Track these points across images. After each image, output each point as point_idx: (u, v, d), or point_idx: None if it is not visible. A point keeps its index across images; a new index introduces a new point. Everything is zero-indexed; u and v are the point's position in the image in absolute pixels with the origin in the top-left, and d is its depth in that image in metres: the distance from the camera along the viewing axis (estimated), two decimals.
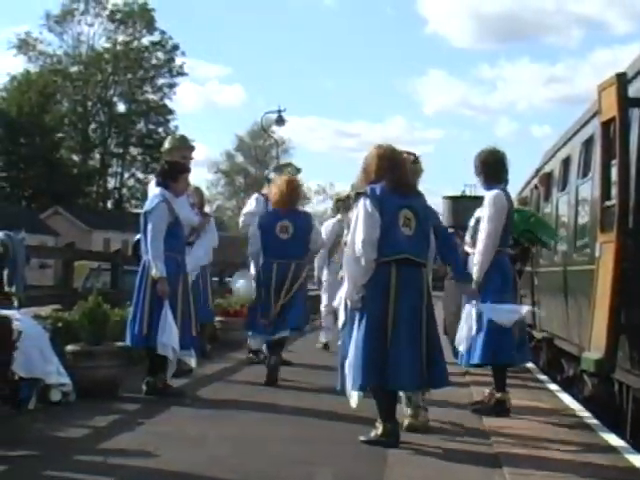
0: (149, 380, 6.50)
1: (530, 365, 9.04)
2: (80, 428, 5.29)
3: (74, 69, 60.52)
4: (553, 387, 7.93)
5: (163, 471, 4.31)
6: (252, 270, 8.24)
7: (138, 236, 6.81)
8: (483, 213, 6.13)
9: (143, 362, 6.79)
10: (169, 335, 6.24)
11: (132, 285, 6.73)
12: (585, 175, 7.84)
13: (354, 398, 5.05)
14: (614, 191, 6.17)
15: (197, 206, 8.14)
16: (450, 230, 10.04)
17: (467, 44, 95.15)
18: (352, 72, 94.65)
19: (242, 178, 69.73)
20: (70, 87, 60.19)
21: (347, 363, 5.00)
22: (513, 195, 7.30)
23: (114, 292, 9.45)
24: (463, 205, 15.17)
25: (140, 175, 62.81)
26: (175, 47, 62.08)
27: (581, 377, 7.74)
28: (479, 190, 8.04)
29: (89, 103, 61.12)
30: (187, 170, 7.04)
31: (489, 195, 6.10)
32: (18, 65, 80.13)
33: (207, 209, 9.57)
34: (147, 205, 6.59)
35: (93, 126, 62.03)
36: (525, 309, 6.36)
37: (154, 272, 6.29)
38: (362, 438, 5.01)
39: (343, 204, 9.74)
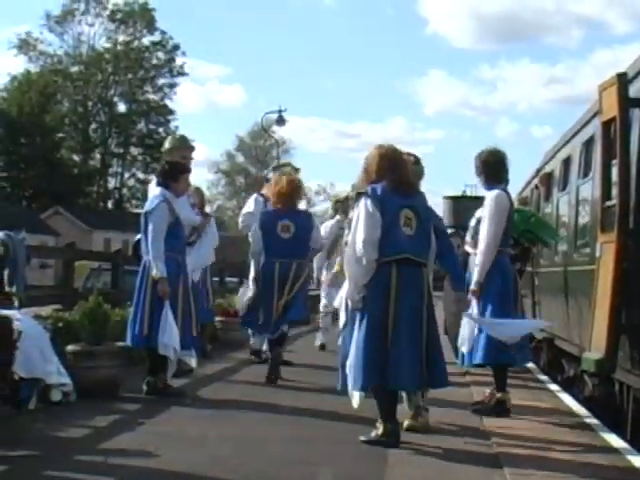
0: (149, 380, 6.50)
1: (531, 365, 9.03)
2: (80, 428, 5.29)
3: (75, 69, 60.55)
4: (553, 387, 7.93)
5: (163, 471, 4.31)
6: (252, 270, 8.25)
7: (139, 236, 6.81)
8: (484, 213, 6.13)
9: (143, 362, 6.78)
10: (170, 335, 6.24)
11: (132, 285, 6.73)
12: (586, 175, 7.84)
13: (356, 398, 5.05)
14: (615, 191, 6.17)
15: (198, 206, 8.14)
16: (451, 230, 10.02)
17: (467, 44, 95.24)
18: (352, 72, 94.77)
19: (242, 178, 69.72)
20: (70, 87, 60.22)
21: (348, 363, 5.00)
22: (513, 195, 7.31)
23: (114, 292, 9.46)
24: (464, 205, 15.22)
25: (140, 175, 62.90)
26: (175, 47, 62.19)
27: (581, 377, 7.74)
28: (480, 190, 8.06)
29: (89, 103, 61.14)
30: (188, 170, 7.05)
31: (490, 195, 6.09)
32: (19, 65, 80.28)
33: (207, 209, 9.57)
34: (147, 205, 6.59)
35: (93, 126, 62.05)
36: (525, 330, 6.21)
37: (155, 272, 6.29)
38: (362, 438, 5.01)
39: (342, 205, 9.76)
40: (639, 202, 5.88)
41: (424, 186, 5.82)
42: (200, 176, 63.34)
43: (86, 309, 6.45)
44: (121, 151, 63.09)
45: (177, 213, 6.55)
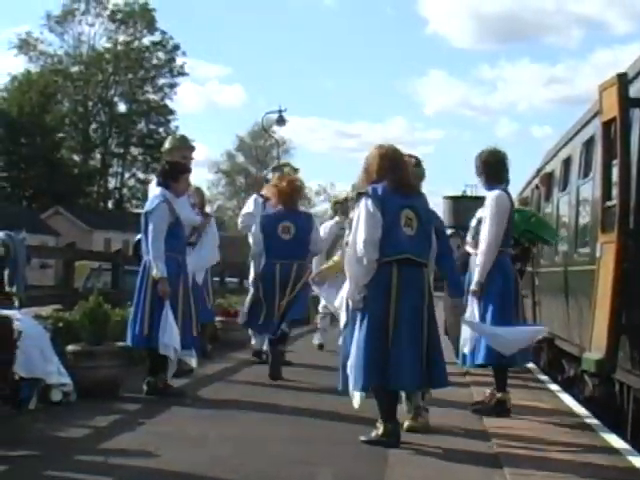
0: (150, 380, 6.50)
1: (531, 365, 9.04)
2: (81, 428, 5.29)
3: (75, 69, 60.55)
4: (554, 387, 7.93)
5: (164, 471, 4.31)
6: (251, 271, 8.25)
7: (139, 236, 6.82)
8: (485, 213, 6.13)
9: (144, 362, 6.79)
10: (170, 335, 6.24)
11: (133, 285, 6.73)
12: (586, 175, 7.84)
13: (356, 398, 5.05)
14: (615, 191, 6.17)
15: (198, 206, 8.14)
16: (451, 230, 10.01)
17: (467, 44, 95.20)
18: (352, 72, 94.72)
19: (243, 178, 69.73)
20: (71, 87, 60.22)
21: (349, 363, 5.00)
22: (514, 195, 7.31)
23: (115, 292, 9.46)
24: (464, 205, 15.23)
25: (141, 175, 62.90)
26: (176, 47, 62.18)
27: (582, 377, 7.74)
28: (480, 190, 8.06)
29: (90, 103, 61.15)
30: (188, 170, 7.05)
31: (491, 195, 6.09)
32: (19, 65, 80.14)
33: (208, 209, 9.58)
34: (148, 205, 6.60)
35: (94, 126, 62.06)
36: (525, 342, 6.07)
37: (155, 272, 6.29)
38: (363, 438, 5.01)
39: (341, 206, 9.79)
40: (639, 202, 5.88)
41: (424, 186, 5.82)
42: (200, 176, 63.55)
43: (86, 309, 6.46)
44: (121, 151, 63.09)
45: (177, 213, 6.55)
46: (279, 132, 48.87)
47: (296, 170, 9.14)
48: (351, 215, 5.53)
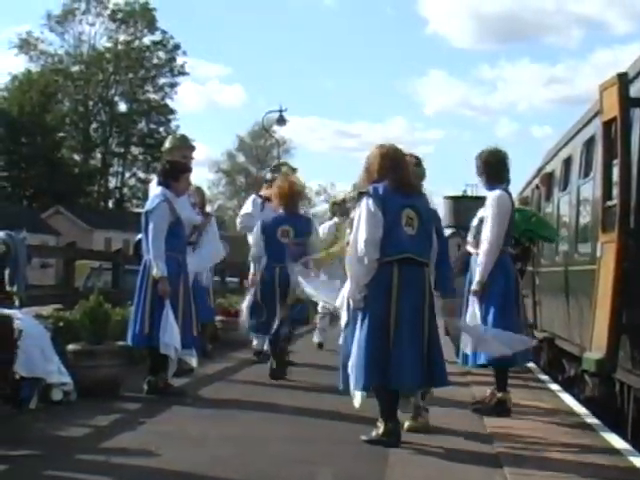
0: (150, 379, 6.50)
1: (531, 365, 9.04)
2: (81, 427, 5.29)
3: (75, 69, 60.55)
4: (554, 387, 7.93)
5: (164, 470, 4.31)
6: (250, 273, 8.26)
7: (139, 236, 6.82)
8: (486, 213, 6.12)
9: (144, 361, 6.79)
10: (171, 334, 6.24)
11: (133, 285, 6.74)
12: (586, 175, 7.84)
13: (357, 398, 5.05)
14: (615, 191, 6.17)
15: (198, 206, 8.16)
16: (451, 230, 9.99)
17: (467, 44, 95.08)
18: (352, 72, 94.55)
19: (243, 178, 69.72)
20: (71, 87, 60.22)
21: (350, 363, 5.00)
22: (514, 195, 7.31)
23: (115, 291, 9.46)
24: (464, 205, 15.19)
25: (141, 175, 62.85)
26: (176, 47, 62.16)
27: (582, 377, 7.74)
28: (480, 190, 8.06)
29: (90, 103, 61.14)
30: (188, 170, 7.05)
31: (493, 195, 6.09)
32: (19, 65, 79.96)
33: (208, 209, 9.61)
34: (148, 205, 6.60)
35: (94, 126, 62.06)
36: (509, 350, 6.06)
37: (155, 272, 6.29)
38: (363, 438, 5.01)
39: (339, 207, 9.80)
40: None
41: (425, 186, 5.81)
42: (201, 176, 63.69)
43: (87, 308, 6.46)
44: (122, 150, 63.08)
45: (178, 212, 6.55)
46: (279, 132, 48.92)
47: (294, 170, 9.16)
48: (352, 215, 5.53)
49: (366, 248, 4.90)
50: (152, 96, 63.26)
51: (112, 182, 64.59)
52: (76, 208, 53.42)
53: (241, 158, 70.27)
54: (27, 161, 54.73)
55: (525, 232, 7.85)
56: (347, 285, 5.25)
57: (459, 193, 21.26)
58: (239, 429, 5.42)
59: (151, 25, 61.37)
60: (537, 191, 11.44)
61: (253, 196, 9.22)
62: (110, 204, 63.16)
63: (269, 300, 7.52)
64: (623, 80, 6.04)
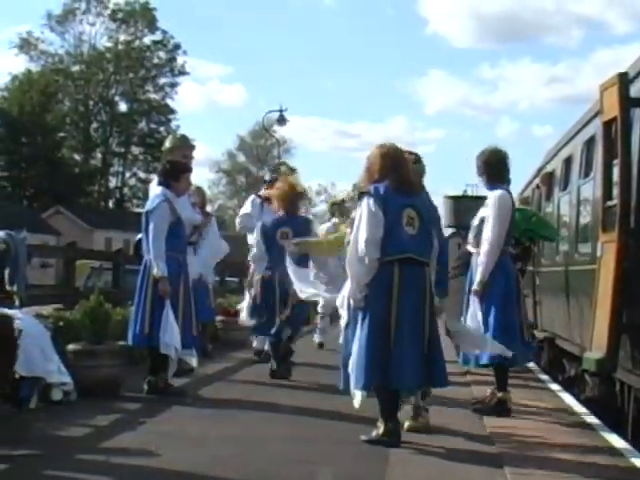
0: (150, 379, 6.50)
1: (532, 365, 9.04)
2: (81, 427, 5.29)
3: (76, 68, 60.57)
4: (554, 387, 7.93)
5: (165, 470, 4.31)
6: (250, 274, 8.27)
7: (140, 235, 6.82)
8: (487, 213, 6.12)
9: (144, 361, 6.79)
10: (171, 334, 6.24)
11: (133, 284, 6.74)
12: (587, 175, 7.84)
13: (358, 398, 5.05)
14: (616, 191, 6.17)
15: (198, 205, 8.16)
16: (452, 230, 9.95)
17: (467, 44, 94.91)
18: (352, 72, 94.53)
19: (243, 178, 69.74)
20: (72, 86, 60.23)
21: (350, 363, 5.00)
22: (515, 195, 7.31)
23: (115, 291, 9.46)
24: (465, 205, 15.19)
25: (142, 174, 62.85)
26: (176, 46, 62.20)
27: (582, 377, 7.74)
28: (481, 190, 8.05)
29: (91, 102, 61.16)
30: (189, 169, 7.05)
31: (494, 195, 6.09)
32: (20, 65, 79.75)
33: (208, 208, 9.64)
34: (149, 204, 6.60)
35: (95, 125, 62.10)
36: (486, 350, 5.94)
37: (155, 271, 6.29)
38: (363, 437, 5.01)
39: (338, 208, 9.80)
40: None
41: (425, 185, 5.81)
42: (201, 175, 63.75)
43: (87, 308, 6.46)
44: (122, 150, 63.09)
45: (178, 212, 6.55)
46: (280, 131, 48.85)
47: (293, 170, 9.18)
48: (352, 215, 5.53)
49: (367, 248, 4.90)
50: (152, 96, 63.35)
51: (112, 182, 64.68)
52: (76, 208, 53.42)
53: (241, 158, 70.32)
54: (27, 161, 54.75)
55: (525, 232, 7.85)
56: (347, 285, 5.25)
57: (459, 193, 21.27)
58: (239, 429, 5.42)
59: (151, 25, 61.39)
60: (537, 191, 11.44)
61: (252, 196, 9.29)
62: (110, 204, 63.17)
63: (269, 301, 7.52)
64: (623, 80, 6.04)
